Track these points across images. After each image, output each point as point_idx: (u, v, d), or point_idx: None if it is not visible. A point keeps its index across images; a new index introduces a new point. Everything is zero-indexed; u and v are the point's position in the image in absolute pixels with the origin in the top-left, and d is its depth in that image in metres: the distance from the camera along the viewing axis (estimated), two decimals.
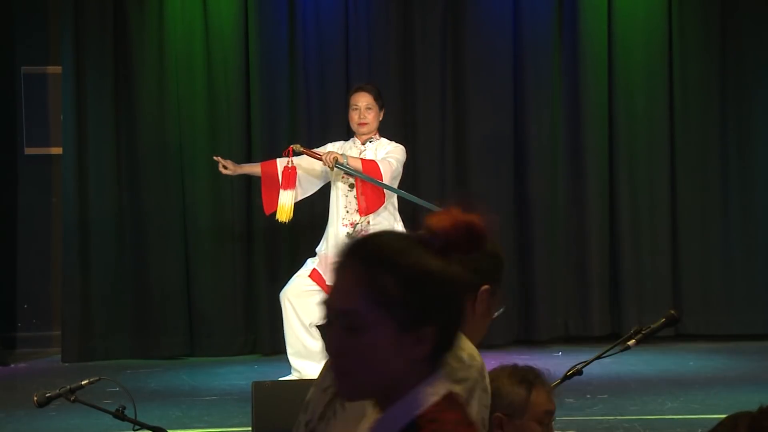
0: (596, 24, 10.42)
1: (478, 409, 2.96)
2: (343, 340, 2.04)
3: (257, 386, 4.69)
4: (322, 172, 8.22)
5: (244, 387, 8.41)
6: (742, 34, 10.51)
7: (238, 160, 10.09)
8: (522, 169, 10.45)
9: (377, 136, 8.24)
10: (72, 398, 4.52)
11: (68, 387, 4.52)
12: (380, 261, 2.05)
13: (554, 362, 9.32)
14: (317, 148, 8.36)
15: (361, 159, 7.99)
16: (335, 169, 7.96)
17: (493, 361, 9.55)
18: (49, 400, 4.58)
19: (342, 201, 8.14)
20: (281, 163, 8.24)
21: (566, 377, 4.19)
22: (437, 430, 2.03)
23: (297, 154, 8.10)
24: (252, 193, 9.80)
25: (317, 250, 8.33)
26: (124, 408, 4.49)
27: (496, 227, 3.55)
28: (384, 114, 8.32)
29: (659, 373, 9.06)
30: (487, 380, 3.08)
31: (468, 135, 10.41)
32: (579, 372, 4.22)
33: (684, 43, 10.49)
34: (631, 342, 4.27)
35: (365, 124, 8.14)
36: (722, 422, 2.81)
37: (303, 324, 8.18)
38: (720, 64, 10.51)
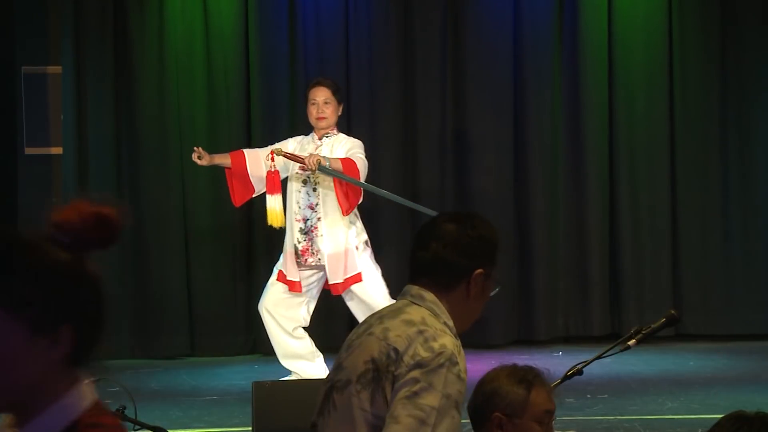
0: (596, 24, 10.42)
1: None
2: None
3: (257, 386, 4.69)
4: (283, 168, 8.22)
5: (244, 387, 8.41)
6: (742, 34, 10.51)
7: None
8: (522, 168, 10.45)
9: (335, 131, 8.23)
10: None
11: None
12: (3, 261, 1.94)
13: (554, 362, 9.32)
14: (278, 143, 8.36)
15: (340, 159, 7.99)
16: (317, 171, 7.92)
17: (493, 361, 9.55)
18: None
19: (295, 196, 8.15)
20: (250, 155, 8.23)
21: (566, 377, 4.19)
22: None
23: (279, 155, 8.08)
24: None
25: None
26: (125, 408, 4.49)
27: (496, 223, 3.60)
28: (342, 108, 8.30)
29: (659, 373, 9.06)
30: (459, 368, 3.22)
31: (468, 135, 10.41)
32: (579, 372, 4.22)
33: (684, 43, 10.49)
34: (632, 342, 4.27)
35: (323, 118, 8.14)
36: (719, 423, 2.81)
37: (286, 331, 8.19)
38: (720, 64, 10.51)
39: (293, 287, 8.10)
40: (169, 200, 10.21)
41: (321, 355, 8.26)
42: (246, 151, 8.39)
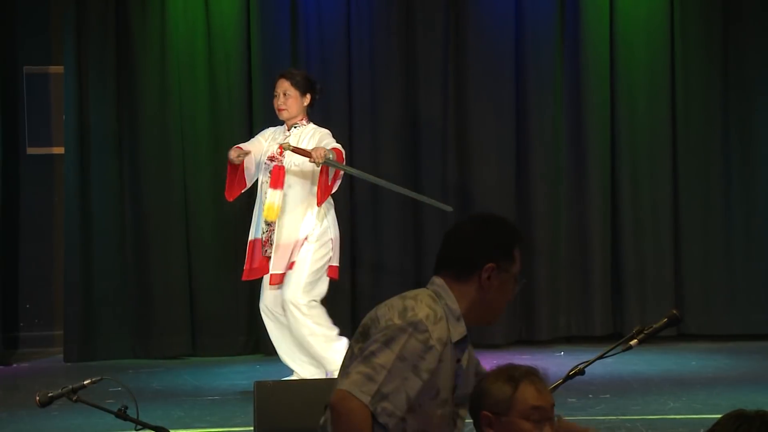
0: (598, 24, 10.41)
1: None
2: None
3: (259, 386, 4.69)
4: (258, 161, 8.23)
5: (246, 387, 8.41)
6: (744, 33, 10.50)
7: None
8: (524, 168, 10.45)
9: (303, 121, 8.23)
10: (74, 398, 4.51)
11: (70, 387, 4.52)
12: None
13: (556, 362, 9.32)
14: (253, 139, 8.42)
15: (334, 148, 8.03)
16: (322, 164, 7.96)
17: (495, 361, 9.56)
18: (52, 399, 4.58)
19: (263, 188, 8.19)
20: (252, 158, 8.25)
21: (568, 377, 4.18)
22: None
23: (287, 150, 8.09)
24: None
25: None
26: (126, 408, 4.49)
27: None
28: (312, 99, 8.24)
29: (661, 373, 9.06)
30: (426, 336, 3.49)
31: (470, 134, 10.41)
32: (581, 372, 4.21)
33: (686, 43, 10.48)
34: (633, 342, 4.26)
35: (283, 109, 8.19)
36: (720, 422, 2.81)
37: (285, 330, 8.17)
38: (722, 63, 10.50)
39: (272, 280, 8.09)
40: (170, 200, 10.21)
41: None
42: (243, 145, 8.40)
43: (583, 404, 7.75)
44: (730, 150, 10.53)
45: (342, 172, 8.17)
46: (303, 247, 8.07)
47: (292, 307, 8.02)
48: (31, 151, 10.58)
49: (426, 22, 10.37)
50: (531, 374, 3.30)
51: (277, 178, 8.13)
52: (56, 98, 10.45)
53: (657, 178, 10.47)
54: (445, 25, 10.40)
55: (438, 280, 3.64)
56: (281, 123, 8.35)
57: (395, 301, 3.60)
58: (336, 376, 3.73)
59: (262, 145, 8.28)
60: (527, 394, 3.26)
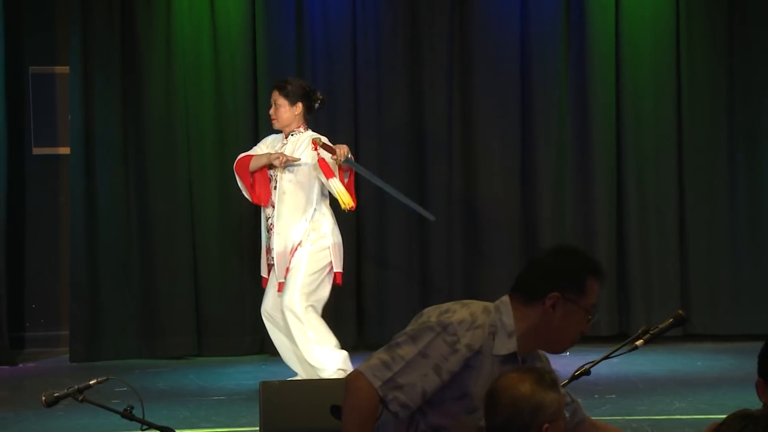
0: (604, 24, 10.40)
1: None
2: None
3: (265, 386, 4.69)
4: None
5: (252, 387, 8.42)
6: (750, 33, 10.49)
7: None
8: (529, 168, 10.44)
9: (300, 129, 8.24)
10: (80, 398, 4.52)
11: (76, 387, 4.52)
12: None
13: (562, 362, 9.26)
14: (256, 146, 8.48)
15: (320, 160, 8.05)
16: (342, 163, 7.99)
17: None
18: (57, 399, 4.58)
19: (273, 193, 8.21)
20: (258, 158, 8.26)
21: (574, 377, 4.19)
22: None
23: (321, 146, 8.13)
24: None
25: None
26: (132, 408, 4.49)
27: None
28: (305, 107, 8.23)
29: (667, 373, 9.05)
30: (455, 338, 3.55)
31: (475, 135, 10.40)
32: (587, 372, 4.22)
33: (691, 43, 10.47)
34: (639, 342, 4.26)
35: (274, 119, 8.28)
36: (725, 422, 2.81)
37: (286, 332, 8.16)
38: (727, 63, 10.49)
39: (279, 288, 8.10)
40: (176, 200, 10.22)
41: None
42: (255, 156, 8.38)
43: (589, 404, 7.73)
44: (736, 150, 10.52)
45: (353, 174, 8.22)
46: (297, 252, 8.08)
47: (288, 312, 8.03)
48: (36, 151, 10.59)
49: (431, 22, 10.37)
50: (549, 372, 3.31)
51: (327, 169, 8.12)
52: (62, 98, 10.45)
53: (662, 178, 10.46)
54: (451, 25, 10.39)
55: (505, 298, 3.69)
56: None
57: (448, 303, 3.70)
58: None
59: (264, 152, 8.29)
60: (558, 394, 3.28)
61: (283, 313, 8.07)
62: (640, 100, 10.46)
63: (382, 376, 3.53)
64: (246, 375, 9.25)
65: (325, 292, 8.13)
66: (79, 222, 10.13)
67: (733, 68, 10.51)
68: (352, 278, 10.04)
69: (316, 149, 8.10)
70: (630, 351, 4.27)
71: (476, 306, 3.67)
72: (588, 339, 10.31)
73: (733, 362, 9.42)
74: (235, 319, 10.24)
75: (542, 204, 10.42)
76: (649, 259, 10.44)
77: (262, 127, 10.16)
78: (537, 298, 3.62)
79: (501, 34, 10.39)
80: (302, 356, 8.08)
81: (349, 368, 7.65)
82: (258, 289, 10.07)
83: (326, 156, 8.08)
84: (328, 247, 8.10)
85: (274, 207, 8.17)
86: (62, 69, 10.44)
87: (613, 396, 8.07)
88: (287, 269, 8.07)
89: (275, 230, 8.10)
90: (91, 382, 4.53)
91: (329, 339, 8.01)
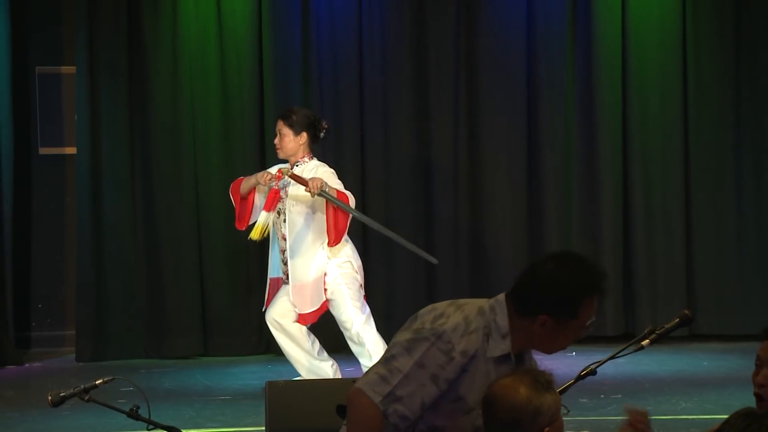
0: (610, 24, 10.40)
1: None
2: None
3: (271, 386, 4.70)
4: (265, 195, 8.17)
5: (257, 386, 8.43)
6: (757, 32, 10.48)
7: (252, 159, 10.17)
8: (535, 169, 10.44)
9: (305, 159, 8.08)
10: (86, 398, 4.52)
11: (82, 386, 4.53)
12: None
13: (568, 362, 9.30)
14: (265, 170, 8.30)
15: (336, 189, 7.91)
16: (317, 196, 7.84)
17: None
18: (64, 399, 4.58)
19: (274, 226, 8.12)
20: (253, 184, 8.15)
21: (580, 377, 4.19)
22: None
23: (286, 175, 8.01)
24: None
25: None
26: (138, 407, 4.50)
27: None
28: (310, 137, 8.08)
29: (673, 373, 9.05)
30: (449, 346, 3.55)
31: (481, 135, 10.40)
32: (593, 372, 4.22)
33: (698, 43, 10.46)
34: (645, 342, 4.26)
35: (278, 149, 8.13)
36: (729, 421, 2.81)
37: (296, 340, 8.11)
38: (734, 62, 10.48)
39: (300, 319, 8.05)
40: (182, 199, 10.22)
41: (332, 361, 8.17)
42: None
43: (595, 404, 7.74)
44: (742, 150, 10.51)
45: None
46: (327, 279, 7.99)
47: (360, 333, 7.96)
48: (43, 151, 10.61)
49: (437, 23, 10.36)
50: (543, 373, 3.29)
51: (272, 202, 8.06)
52: (68, 98, 10.47)
53: (669, 179, 10.46)
54: (457, 24, 10.38)
55: (501, 297, 3.67)
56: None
57: (442, 305, 3.68)
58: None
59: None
60: (554, 395, 3.27)
61: (352, 337, 8.00)
62: (647, 101, 10.45)
63: (382, 391, 3.54)
64: (252, 375, 9.26)
65: (366, 308, 8.11)
66: (85, 222, 10.14)
67: (740, 68, 10.49)
68: None
69: (279, 178, 8.01)
70: (636, 351, 4.26)
71: (470, 308, 3.64)
72: (594, 339, 10.37)
73: (739, 362, 9.40)
74: (241, 319, 10.24)
75: (548, 204, 10.42)
76: (656, 259, 10.44)
77: (267, 126, 10.17)
78: (529, 314, 3.60)
79: (507, 33, 10.38)
80: (311, 360, 8.04)
81: None
82: (263, 289, 10.08)
83: (293, 203, 8.02)
84: (356, 270, 8.05)
85: (284, 239, 8.07)
86: (68, 69, 10.45)
87: (619, 396, 8.06)
88: (315, 309, 7.99)
89: (291, 264, 7.99)
90: (97, 382, 4.54)
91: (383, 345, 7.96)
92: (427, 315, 3.64)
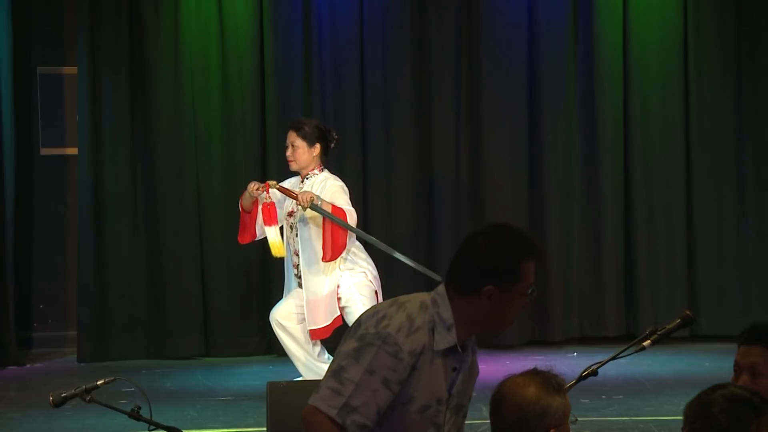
0: (611, 24, 10.40)
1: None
2: None
3: (272, 386, 4.70)
4: (279, 202, 8.07)
5: (259, 387, 8.41)
6: (758, 32, 10.49)
7: (253, 159, 10.20)
8: (537, 169, 10.45)
9: (315, 171, 7.96)
10: (87, 398, 4.53)
11: (84, 387, 4.53)
12: None
13: (569, 363, 9.32)
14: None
15: (331, 204, 7.82)
16: (308, 209, 7.75)
17: (507, 362, 9.53)
18: (65, 400, 4.59)
19: (286, 242, 8.08)
20: (253, 199, 8.02)
21: (581, 378, 4.19)
22: None
23: (273, 188, 7.95)
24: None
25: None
26: (140, 408, 4.50)
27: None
28: (322, 148, 7.95)
29: (674, 373, 9.05)
30: (396, 348, 3.52)
31: (483, 135, 10.40)
32: (594, 373, 4.22)
33: (699, 43, 10.47)
34: (647, 343, 4.26)
35: (291, 161, 7.97)
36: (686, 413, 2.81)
37: (299, 342, 8.09)
38: (735, 63, 10.49)
39: (312, 335, 7.99)
40: (184, 200, 10.22)
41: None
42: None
43: (597, 405, 7.74)
44: (744, 150, 10.51)
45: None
46: (341, 290, 7.92)
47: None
48: (44, 151, 10.61)
49: (439, 23, 10.37)
50: (555, 376, 3.28)
51: (269, 215, 7.96)
52: (70, 99, 10.47)
53: (670, 179, 10.46)
54: (458, 25, 10.39)
55: (441, 288, 3.63)
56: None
57: (383, 306, 3.65)
58: None
59: (280, 200, 8.09)
60: (564, 398, 3.26)
61: None
62: (648, 100, 10.45)
63: (336, 404, 3.51)
64: (253, 375, 9.26)
65: None
66: (86, 222, 10.14)
67: (741, 68, 10.50)
68: None
69: (267, 191, 7.92)
70: (637, 351, 4.27)
71: (412, 305, 3.61)
72: (595, 340, 10.37)
73: None
74: (243, 320, 10.25)
75: (550, 205, 10.42)
76: (657, 259, 10.44)
77: (269, 126, 10.18)
78: (472, 291, 3.55)
79: (509, 34, 10.38)
80: (314, 362, 8.03)
81: None
82: (265, 289, 10.09)
83: (277, 197, 7.97)
84: (370, 280, 7.98)
85: (297, 255, 8.01)
86: (70, 69, 10.45)
87: (621, 396, 8.06)
88: (329, 323, 7.94)
89: (304, 279, 7.94)
90: (98, 383, 4.54)
91: None
92: (369, 319, 3.61)
